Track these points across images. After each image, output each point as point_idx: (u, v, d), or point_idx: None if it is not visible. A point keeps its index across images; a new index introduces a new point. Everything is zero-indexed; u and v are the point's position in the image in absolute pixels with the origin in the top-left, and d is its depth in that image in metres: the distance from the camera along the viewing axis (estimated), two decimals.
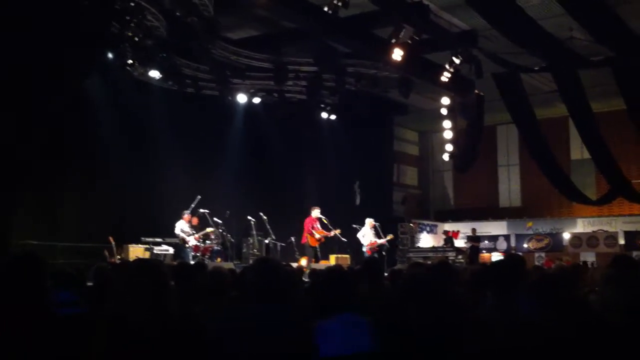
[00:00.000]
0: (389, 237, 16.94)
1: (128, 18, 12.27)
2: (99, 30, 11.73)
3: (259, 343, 3.16)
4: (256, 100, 17.77)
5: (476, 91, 17.51)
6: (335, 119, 19.62)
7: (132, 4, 12.12)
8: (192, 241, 14.60)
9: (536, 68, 16.42)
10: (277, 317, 3.27)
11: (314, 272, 9.14)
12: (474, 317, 3.79)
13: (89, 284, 6.38)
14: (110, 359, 2.99)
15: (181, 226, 14.60)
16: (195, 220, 14.97)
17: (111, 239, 13.73)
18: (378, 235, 16.65)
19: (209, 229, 14.91)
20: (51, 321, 3.32)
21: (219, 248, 15.56)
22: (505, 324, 3.56)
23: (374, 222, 16.68)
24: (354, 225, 16.72)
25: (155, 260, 3.49)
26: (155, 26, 13.18)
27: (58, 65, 11.01)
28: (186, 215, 14.68)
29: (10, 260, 3.47)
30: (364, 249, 16.44)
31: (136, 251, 13.90)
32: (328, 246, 16.54)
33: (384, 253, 16.76)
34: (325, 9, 12.66)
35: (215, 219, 15.19)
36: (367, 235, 16.50)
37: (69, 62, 11.25)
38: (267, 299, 3.34)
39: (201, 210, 14.93)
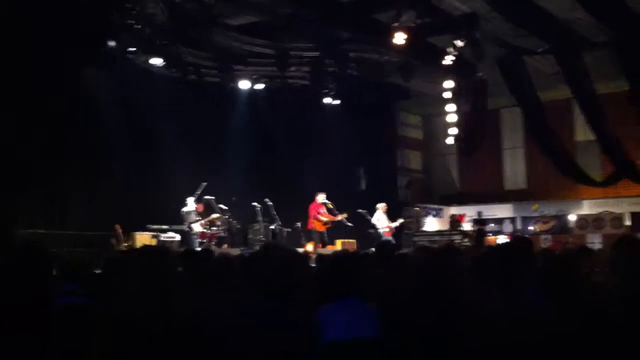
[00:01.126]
0: (400, 221, 17.07)
1: (128, 6, 12.26)
2: (99, 19, 11.74)
3: (263, 337, 3.17)
4: (259, 86, 17.74)
5: (479, 74, 17.45)
6: (339, 104, 19.58)
7: None
8: (198, 227, 14.65)
9: (539, 50, 16.35)
10: (281, 311, 3.26)
11: (320, 257, 9.16)
12: (479, 309, 3.78)
13: (97, 271, 6.42)
14: (114, 353, 3.02)
15: (186, 210, 14.67)
16: (200, 207, 15.02)
17: (118, 227, 13.79)
18: (391, 220, 16.76)
19: (214, 215, 14.96)
20: (53, 312, 3.33)
21: (225, 234, 15.62)
22: (511, 318, 3.56)
23: (386, 206, 16.74)
24: (359, 210, 16.73)
25: (162, 247, 3.50)
26: (155, 14, 13.14)
27: (61, 54, 11.03)
28: (191, 201, 14.73)
29: (14, 251, 3.48)
30: (381, 232, 16.46)
31: (143, 239, 13.96)
32: (334, 231, 16.57)
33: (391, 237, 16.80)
34: None
35: (220, 205, 15.23)
36: (381, 218, 16.57)
37: (72, 51, 11.27)
38: (272, 287, 3.35)
39: (206, 197, 14.97)
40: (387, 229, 16.49)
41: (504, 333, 3.50)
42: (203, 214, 15.02)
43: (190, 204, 14.75)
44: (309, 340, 3.23)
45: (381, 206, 16.69)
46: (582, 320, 3.31)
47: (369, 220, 16.60)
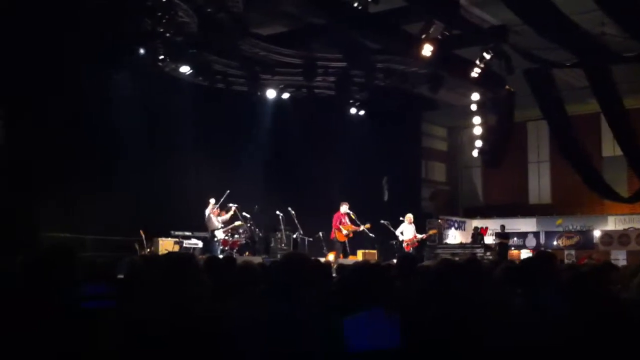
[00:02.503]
0: (432, 232, 16.95)
1: (159, 14, 12.41)
2: (128, 27, 11.91)
3: (286, 345, 3.18)
4: (285, 95, 17.80)
5: (507, 87, 17.36)
6: (364, 114, 19.58)
7: (164, 1, 12.25)
8: (220, 234, 14.71)
9: (568, 64, 16.22)
10: (303, 314, 3.28)
11: (341, 267, 9.15)
12: (506, 315, 3.77)
13: (120, 276, 6.46)
14: (136, 356, 3.04)
15: (207, 211, 14.72)
16: (224, 214, 15.08)
17: (142, 232, 13.89)
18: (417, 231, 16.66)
19: (237, 223, 15.01)
20: (77, 314, 3.36)
21: (247, 242, 15.66)
22: (537, 322, 3.54)
23: (412, 217, 16.63)
24: (382, 221, 16.66)
25: (188, 254, 3.53)
26: (186, 22, 13.28)
27: (92, 60, 11.19)
28: (212, 204, 14.80)
29: (42, 252, 3.51)
30: (404, 245, 16.38)
31: (166, 244, 14.04)
32: (356, 241, 16.53)
33: (412, 249, 16.71)
34: (355, 4, 12.65)
35: (244, 213, 15.29)
36: (406, 230, 16.44)
37: (103, 58, 11.44)
38: (294, 294, 3.36)
39: (230, 205, 15.03)
40: (409, 242, 16.35)
41: (526, 338, 3.49)
42: (226, 222, 15.08)
43: (210, 207, 14.79)
44: (332, 349, 3.24)
45: (407, 218, 16.57)
46: (604, 326, 3.28)
47: (392, 231, 16.53)
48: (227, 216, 15.01)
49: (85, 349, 3.20)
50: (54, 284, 3.36)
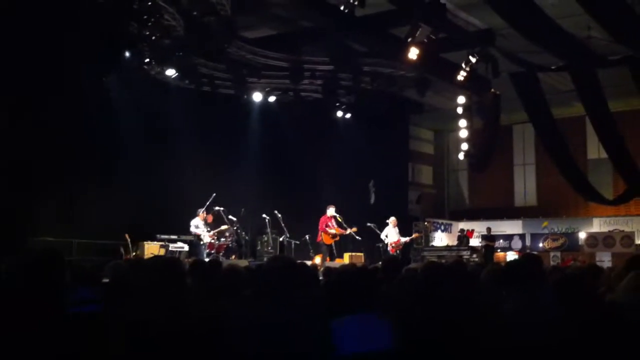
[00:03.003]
0: (415, 235, 16.94)
1: (146, 17, 12.35)
2: (117, 29, 11.86)
3: (274, 344, 3.17)
4: (271, 99, 17.79)
5: (492, 90, 17.44)
6: (351, 117, 19.60)
7: (150, 4, 12.19)
8: (206, 238, 14.67)
9: (553, 67, 16.33)
10: (291, 317, 3.27)
11: (328, 270, 9.15)
12: (495, 317, 3.78)
13: (105, 280, 6.43)
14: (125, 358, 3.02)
15: (196, 223, 14.67)
16: (210, 218, 15.03)
17: (127, 236, 13.82)
18: (401, 234, 16.65)
19: (223, 227, 14.97)
20: (66, 319, 3.34)
21: (233, 245, 15.62)
22: (528, 324, 3.55)
23: (396, 221, 16.63)
24: (369, 224, 16.69)
25: (173, 258, 3.51)
26: (172, 25, 13.23)
27: (77, 64, 11.14)
28: (201, 213, 14.76)
29: (30, 256, 3.49)
30: (388, 248, 16.39)
31: (151, 248, 13.98)
32: (343, 244, 16.54)
33: (398, 252, 16.74)
34: (342, 7, 12.66)
35: (230, 216, 15.25)
36: (390, 233, 16.45)
37: (88, 62, 11.39)
38: (281, 297, 3.35)
39: (216, 208, 14.98)
40: (393, 245, 16.35)
41: (517, 338, 3.50)
42: (212, 225, 15.03)
43: (195, 220, 14.73)
44: (322, 352, 3.23)
45: (391, 221, 16.60)
46: (590, 328, 3.30)
47: (378, 234, 16.56)
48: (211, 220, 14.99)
49: (74, 353, 3.18)
50: (43, 288, 3.33)
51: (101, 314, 4.05)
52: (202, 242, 14.64)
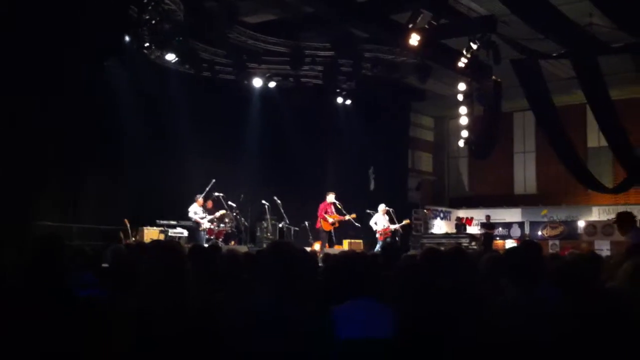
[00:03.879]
0: (405, 222, 16.82)
1: (146, 1, 12.29)
2: (117, 13, 11.78)
3: (274, 330, 3.17)
4: (272, 84, 17.76)
5: (493, 77, 17.39)
6: (351, 104, 19.56)
7: None
8: (205, 224, 14.69)
9: (555, 55, 16.25)
10: (291, 304, 3.27)
11: (327, 257, 9.17)
12: (494, 305, 3.78)
13: (104, 265, 6.44)
14: (132, 345, 3.02)
15: (194, 209, 14.69)
16: (209, 204, 15.06)
17: (126, 221, 13.84)
18: (392, 221, 16.55)
19: (222, 211, 14.98)
20: (72, 303, 3.35)
21: (233, 231, 15.65)
22: (527, 313, 3.55)
23: (386, 208, 16.56)
24: (368, 211, 16.70)
25: (174, 242, 3.51)
26: (172, 10, 13.18)
27: (77, 49, 11.07)
28: (199, 199, 14.77)
29: (32, 241, 3.50)
30: (377, 235, 16.39)
31: (151, 233, 14.00)
32: (342, 231, 16.56)
33: (397, 239, 16.74)
34: None
35: (229, 202, 15.26)
36: (379, 221, 16.41)
37: (89, 46, 11.31)
38: (280, 283, 3.35)
39: (215, 194, 15.01)
40: (381, 233, 16.30)
41: (517, 327, 3.50)
42: (212, 211, 15.05)
43: (193, 207, 14.76)
44: (322, 337, 3.24)
45: (381, 208, 16.44)
46: (591, 316, 3.29)
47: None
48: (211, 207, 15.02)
49: (83, 336, 3.19)
50: (47, 273, 3.34)
51: (103, 298, 4.06)
52: (201, 228, 14.68)
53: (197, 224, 14.63)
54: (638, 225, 9.76)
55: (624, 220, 8.94)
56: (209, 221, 14.79)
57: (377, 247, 15.48)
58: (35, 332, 3.06)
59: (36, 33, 10.73)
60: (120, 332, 3.05)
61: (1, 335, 3.05)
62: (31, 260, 3.36)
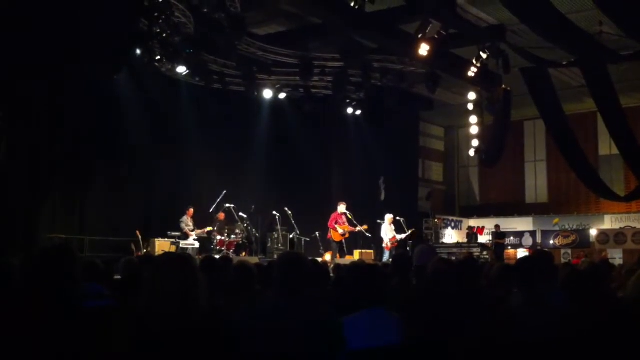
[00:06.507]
0: (411, 231, 16.72)
1: (156, 15, 12.37)
2: (128, 27, 11.85)
3: (285, 339, 3.18)
4: (282, 95, 17.80)
5: (503, 86, 17.36)
6: (361, 114, 19.58)
7: (160, 1, 12.22)
8: (193, 235, 14.68)
9: (565, 63, 16.22)
10: (302, 313, 3.28)
11: (338, 267, 9.16)
12: (504, 311, 3.78)
13: (117, 277, 6.47)
14: (138, 352, 3.04)
15: (185, 221, 14.71)
16: (221, 215, 15.08)
17: (138, 232, 13.89)
18: (401, 231, 16.50)
19: (208, 228, 14.91)
20: (79, 313, 3.37)
21: (243, 242, 15.66)
22: (538, 318, 3.54)
23: (393, 218, 16.52)
24: (379, 221, 16.67)
25: (186, 254, 3.52)
26: (182, 22, 13.26)
27: (88, 62, 11.14)
28: (190, 209, 14.80)
29: (44, 252, 3.52)
30: (383, 245, 16.33)
31: (162, 245, 14.04)
32: (353, 242, 16.53)
33: (408, 249, 16.67)
34: (352, 4, 12.63)
35: (240, 213, 15.29)
36: (387, 231, 16.39)
37: (99, 59, 11.39)
38: (292, 293, 3.36)
39: (227, 205, 15.03)
40: (389, 243, 16.22)
41: (527, 333, 3.49)
42: (223, 222, 15.08)
43: (183, 217, 14.81)
44: (332, 348, 3.24)
45: (388, 218, 16.38)
46: (604, 322, 3.29)
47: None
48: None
49: (88, 348, 3.20)
50: (56, 284, 3.36)
51: (115, 308, 4.08)
52: (212, 239, 14.73)
53: (186, 235, 14.66)
54: None
55: None
56: (196, 233, 14.78)
57: (385, 257, 15.44)
58: (41, 344, 3.08)
59: (48, 46, 10.82)
60: (126, 341, 3.06)
61: (7, 345, 3.06)
62: (40, 271, 3.38)
